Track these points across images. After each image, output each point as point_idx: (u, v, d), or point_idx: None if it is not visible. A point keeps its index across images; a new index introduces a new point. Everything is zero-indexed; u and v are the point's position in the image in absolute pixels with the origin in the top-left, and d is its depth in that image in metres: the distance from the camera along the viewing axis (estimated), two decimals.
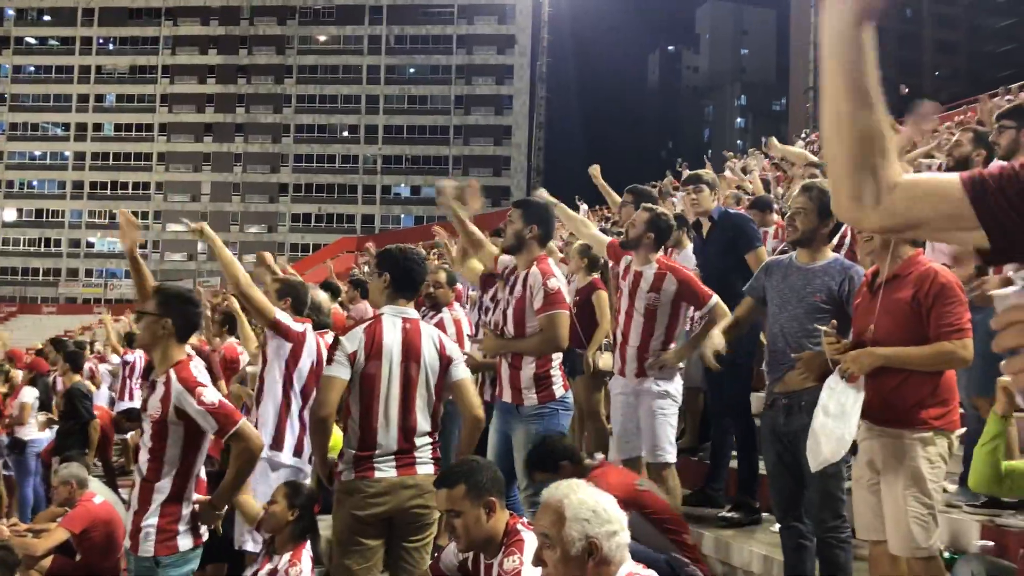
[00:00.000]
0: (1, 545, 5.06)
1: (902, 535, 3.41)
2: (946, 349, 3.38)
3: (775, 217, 7.67)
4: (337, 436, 4.38)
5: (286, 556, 4.04)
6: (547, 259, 4.58)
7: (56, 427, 9.06)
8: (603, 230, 6.86)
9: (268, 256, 6.58)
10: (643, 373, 4.96)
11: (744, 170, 16.52)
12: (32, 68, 71.41)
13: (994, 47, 67.36)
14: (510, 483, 4.44)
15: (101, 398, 11.84)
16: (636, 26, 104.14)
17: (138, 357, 11.30)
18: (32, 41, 71.83)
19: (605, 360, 5.94)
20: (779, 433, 4.03)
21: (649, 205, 5.27)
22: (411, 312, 3.91)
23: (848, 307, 3.83)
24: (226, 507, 3.84)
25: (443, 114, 70.65)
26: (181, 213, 69.37)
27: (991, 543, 4.20)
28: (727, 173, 15.18)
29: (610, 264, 5.66)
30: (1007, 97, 18.15)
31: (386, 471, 3.72)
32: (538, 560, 2.60)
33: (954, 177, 1.41)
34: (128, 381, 11.63)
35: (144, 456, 3.62)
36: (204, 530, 3.70)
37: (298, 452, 4.81)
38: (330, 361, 3.78)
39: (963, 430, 3.56)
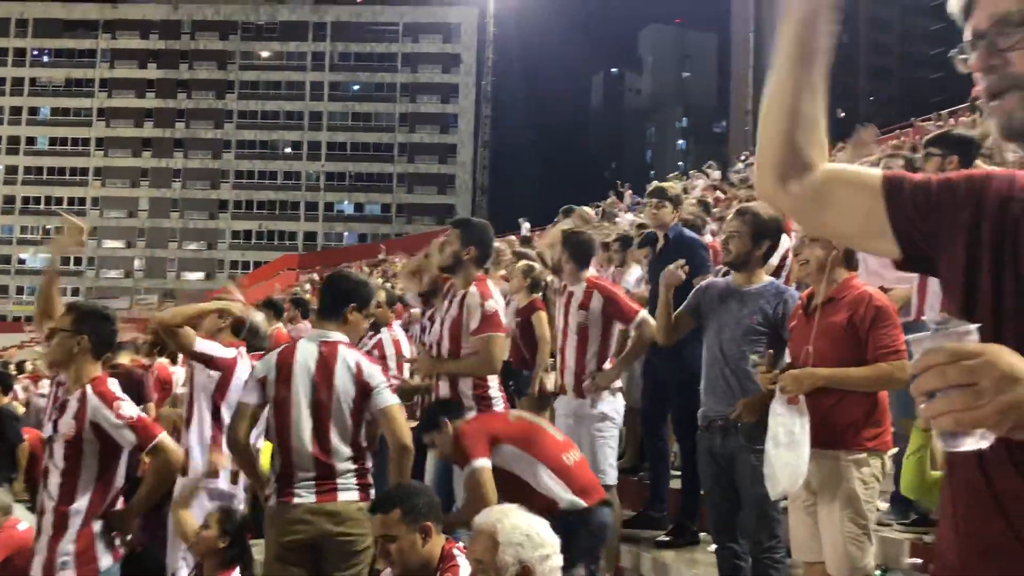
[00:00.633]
0: None
1: (839, 556, 3.45)
2: (884, 371, 3.45)
3: (708, 239, 7.78)
4: (265, 458, 4.32)
5: None
6: (486, 280, 4.56)
7: None
8: None
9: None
10: (582, 394, 4.98)
11: (685, 190, 16.75)
12: None
13: (926, 74, 69.52)
14: (448, 506, 4.40)
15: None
16: (580, 48, 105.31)
17: None
18: None
19: (551, 381, 5.95)
20: (715, 454, 4.06)
21: (565, 226, 5.38)
22: (334, 336, 3.83)
23: (783, 330, 3.89)
24: (163, 531, 3.76)
25: (387, 131, 70.49)
26: (117, 229, 68.11)
27: (920, 560, 4.28)
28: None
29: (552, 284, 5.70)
30: (938, 123, 18.76)
31: (304, 496, 3.64)
32: None
33: (877, 172, 1.43)
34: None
35: (55, 480, 3.49)
36: (120, 544, 3.60)
37: (234, 479, 4.71)
38: (245, 386, 3.76)
39: (895, 450, 3.63)
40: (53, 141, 69.24)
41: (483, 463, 3.96)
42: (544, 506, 3.87)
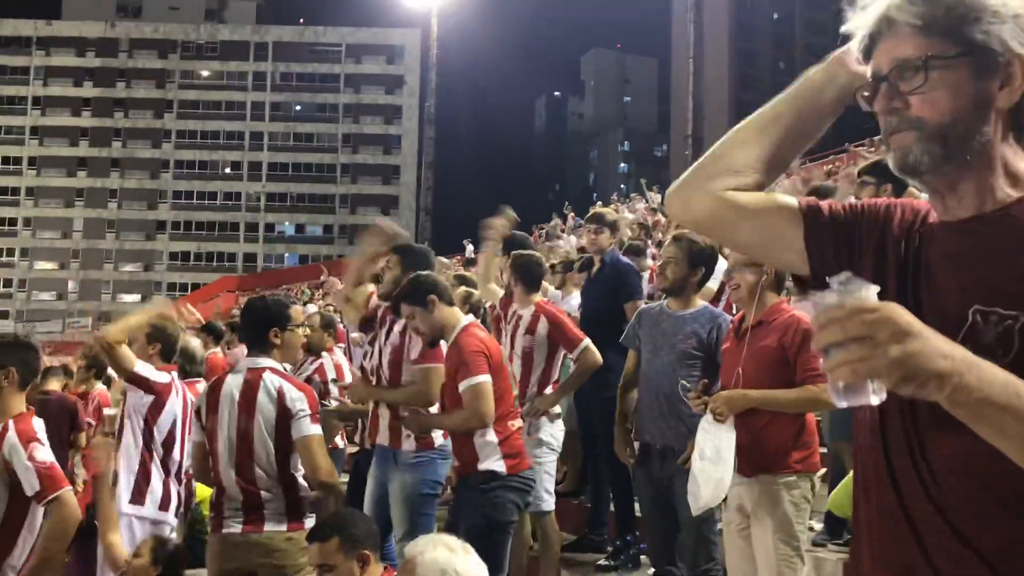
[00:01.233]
0: None
1: None
2: (812, 393, 3.52)
3: (649, 262, 7.91)
4: (204, 489, 4.26)
5: None
6: None
7: None
8: None
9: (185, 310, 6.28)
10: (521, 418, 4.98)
11: (630, 211, 16.98)
12: None
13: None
14: (387, 533, 4.36)
15: None
16: (524, 71, 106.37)
17: None
18: None
19: None
20: (654, 478, 4.10)
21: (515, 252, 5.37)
22: (261, 363, 3.79)
23: (717, 355, 3.95)
24: (94, 560, 3.65)
25: (330, 152, 70.08)
26: (50, 250, 66.38)
27: None
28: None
29: (490, 310, 5.71)
30: (871, 148, 19.24)
31: (232, 527, 3.62)
32: None
33: (793, 198, 1.50)
34: None
35: None
36: None
37: (164, 506, 4.60)
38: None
39: (824, 471, 3.71)
40: None
41: (487, 379, 3.92)
42: (467, 457, 3.99)
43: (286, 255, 68.44)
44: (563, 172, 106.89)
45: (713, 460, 3.52)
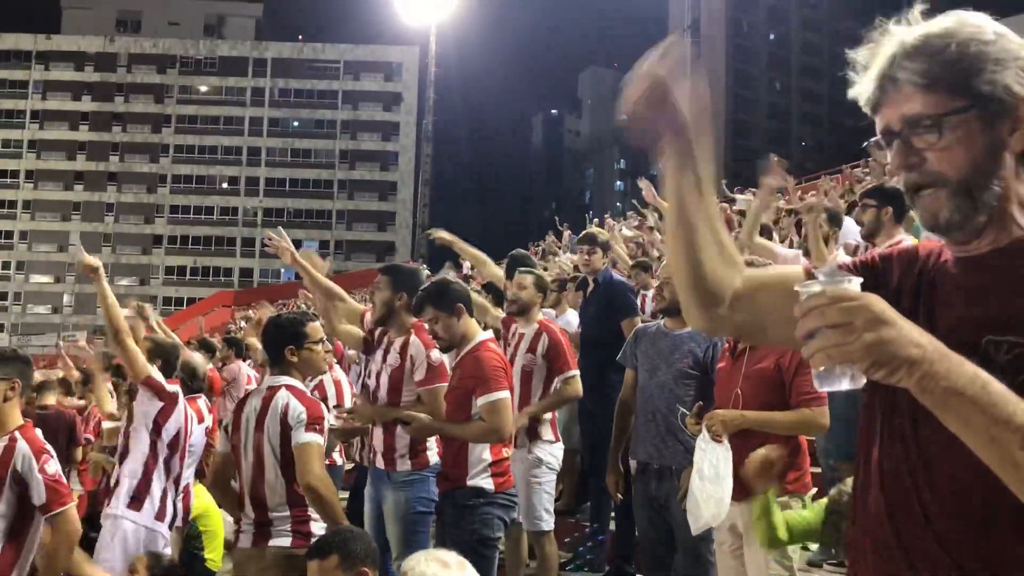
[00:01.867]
0: None
1: None
2: (806, 416, 3.56)
3: (654, 280, 7.94)
4: (205, 503, 4.27)
5: None
6: (422, 327, 4.51)
7: None
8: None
9: (148, 308, 6.36)
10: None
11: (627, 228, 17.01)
12: None
13: (854, 121, 71.72)
14: (385, 552, 4.36)
15: None
16: (521, 89, 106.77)
17: None
18: None
19: None
20: (651, 497, 4.11)
21: (527, 268, 5.39)
22: (280, 380, 3.83)
23: (713, 373, 3.98)
24: None
25: (327, 168, 70.19)
26: (46, 263, 66.27)
27: None
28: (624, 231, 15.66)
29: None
30: (865, 170, 19.33)
31: (244, 541, 3.72)
32: None
33: (798, 267, 1.52)
34: None
35: None
36: None
37: (160, 516, 4.59)
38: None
39: (815, 490, 3.73)
40: None
41: (507, 395, 4.02)
42: (456, 473, 4.04)
43: (283, 270, 68.33)
44: (560, 189, 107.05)
45: (712, 480, 3.54)
